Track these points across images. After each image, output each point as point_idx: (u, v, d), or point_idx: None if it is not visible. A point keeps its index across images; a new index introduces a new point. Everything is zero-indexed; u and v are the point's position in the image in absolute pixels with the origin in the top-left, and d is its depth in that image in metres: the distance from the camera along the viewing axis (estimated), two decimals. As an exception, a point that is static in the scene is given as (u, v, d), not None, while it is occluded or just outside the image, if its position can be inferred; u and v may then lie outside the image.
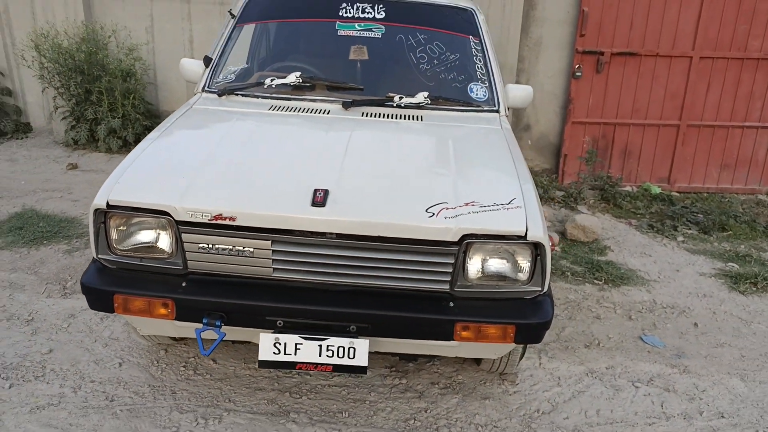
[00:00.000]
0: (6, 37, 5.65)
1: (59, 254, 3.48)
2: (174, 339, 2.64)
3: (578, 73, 4.98)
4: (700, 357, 2.89)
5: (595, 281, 3.55)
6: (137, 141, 5.31)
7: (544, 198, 4.83)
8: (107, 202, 1.93)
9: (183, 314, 1.98)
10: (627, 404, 2.51)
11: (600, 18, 4.86)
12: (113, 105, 5.25)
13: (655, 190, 5.12)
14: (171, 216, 1.92)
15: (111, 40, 5.39)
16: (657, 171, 5.30)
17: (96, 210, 1.95)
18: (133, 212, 1.95)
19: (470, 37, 3.00)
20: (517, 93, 2.98)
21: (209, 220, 1.90)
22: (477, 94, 2.85)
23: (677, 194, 5.17)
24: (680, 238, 4.26)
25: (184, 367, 2.56)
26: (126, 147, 5.35)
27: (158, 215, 1.94)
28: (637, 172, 5.31)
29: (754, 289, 3.56)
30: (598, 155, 5.12)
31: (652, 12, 4.85)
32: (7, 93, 5.75)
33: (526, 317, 1.98)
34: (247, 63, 3.13)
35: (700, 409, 2.50)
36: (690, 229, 4.43)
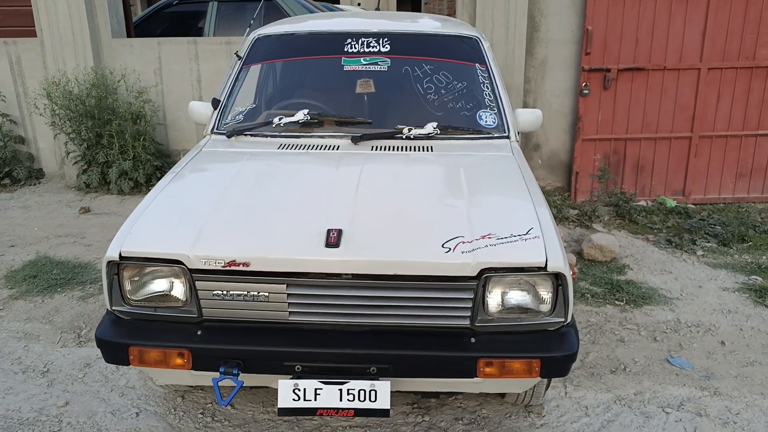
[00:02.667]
0: (18, 87, 5.75)
1: (73, 301, 3.47)
2: (191, 385, 2.60)
3: (586, 91, 4.96)
4: (730, 377, 2.80)
5: (616, 302, 3.48)
6: (148, 181, 5.40)
7: (558, 218, 4.77)
8: (120, 254, 1.91)
9: (199, 363, 1.95)
10: (659, 431, 2.43)
11: (605, 35, 4.85)
12: (124, 147, 5.30)
13: (671, 203, 5.05)
14: (184, 264, 1.90)
15: (120, 84, 5.46)
16: (671, 184, 5.23)
17: (109, 262, 1.93)
18: (146, 262, 1.94)
19: (476, 64, 2.99)
20: (527, 117, 2.96)
21: (222, 266, 1.88)
22: (486, 122, 2.83)
23: (693, 206, 5.09)
24: (700, 252, 4.18)
25: (201, 414, 2.52)
26: (137, 188, 5.39)
27: (171, 264, 1.92)
28: (651, 186, 5.24)
29: (781, 302, 3.47)
30: (611, 171, 5.07)
31: (657, 27, 4.83)
32: (20, 141, 5.83)
33: (550, 350, 1.92)
34: (254, 102, 3.13)
35: (735, 434, 2.42)
36: (709, 242, 4.35)
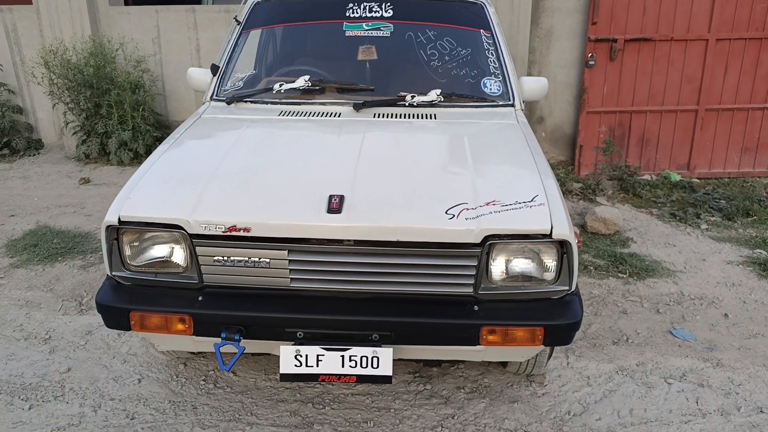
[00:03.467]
0: (15, 55, 5.68)
1: (74, 270, 3.46)
2: (192, 352, 2.60)
3: (591, 62, 4.88)
4: (733, 349, 2.80)
5: (620, 275, 3.46)
6: (148, 152, 5.34)
7: (562, 191, 4.70)
8: (119, 218, 1.89)
9: (201, 329, 1.93)
10: (660, 402, 2.43)
11: (612, 4, 4.76)
12: (123, 117, 5.25)
13: (675, 177, 5.01)
14: (184, 229, 1.87)
15: (119, 53, 5.39)
16: (676, 158, 5.18)
17: (108, 227, 1.91)
18: (145, 227, 1.91)
19: (481, 30, 2.92)
20: (532, 86, 2.90)
21: (223, 232, 1.85)
22: (491, 89, 2.78)
23: (698, 181, 5.05)
24: (704, 226, 4.15)
25: (204, 380, 2.52)
26: (137, 159, 5.34)
27: (171, 229, 1.89)
28: (656, 160, 5.20)
29: (785, 275, 3.45)
30: (615, 144, 5.01)
31: (664, -5, 4.73)
32: (18, 111, 5.77)
33: (554, 318, 1.90)
34: (254, 69, 3.08)
35: (737, 405, 2.41)
36: (713, 216, 4.32)
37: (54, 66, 5.15)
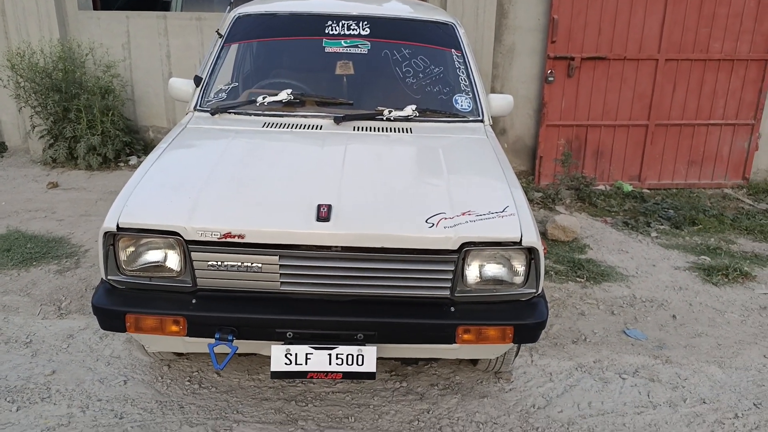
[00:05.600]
0: (-22, 56, 5.59)
1: (50, 275, 3.49)
2: (177, 354, 2.69)
3: (551, 78, 5.16)
4: (680, 347, 3.05)
5: (578, 279, 3.70)
6: (117, 157, 5.37)
7: (523, 200, 4.97)
8: (117, 225, 1.98)
9: (194, 330, 2.04)
10: (616, 395, 2.65)
11: (570, 25, 5.05)
12: (92, 122, 5.25)
13: (627, 188, 5.32)
14: (180, 236, 1.99)
15: (88, 58, 5.38)
16: (628, 169, 5.51)
17: (106, 233, 2.00)
18: (142, 233, 2.01)
19: (452, 50, 3.11)
20: (499, 102, 3.11)
21: (218, 238, 1.97)
22: (462, 105, 2.97)
23: (648, 191, 5.38)
24: (654, 234, 4.45)
25: (188, 381, 2.61)
26: (106, 163, 5.34)
27: (168, 236, 2.00)
28: (610, 171, 5.51)
29: (726, 280, 3.75)
30: (573, 156, 5.30)
31: (618, 18, 5.05)
32: (-20, 113, 5.68)
33: (523, 318, 2.09)
34: (231, 80, 3.17)
35: (683, 397, 2.65)
36: (662, 224, 4.63)
37: (21, 69, 5.11)
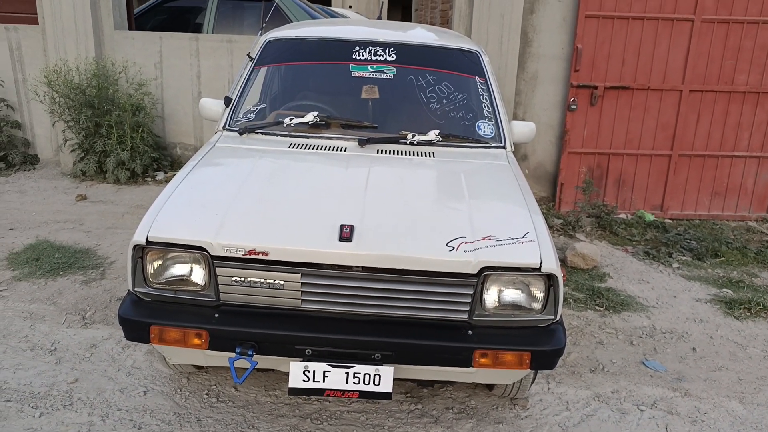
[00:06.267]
0: (18, 72, 5.81)
1: (76, 285, 3.57)
2: (196, 367, 2.74)
3: (573, 106, 5.19)
4: (699, 380, 3.02)
5: (597, 307, 3.69)
6: (145, 172, 5.50)
7: (543, 226, 4.97)
8: (147, 239, 2.05)
9: (216, 344, 2.09)
10: (633, 427, 2.63)
11: (593, 54, 5.09)
12: (122, 138, 5.39)
13: (649, 217, 5.30)
14: (206, 251, 2.04)
15: (121, 76, 5.55)
16: (650, 199, 5.48)
17: (135, 246, 2.07)
18: (170, 248, 2.07)
19: (476, 77, 3.17)
20: (522, 129, 3.15)
21: (243, 255, 2.02)
22: (485, 132, 3.01)
23: (670, 221, 5.35)
24: (675, 265, 4.41)
25: (206, 394, 2.65)
26: (134, 178, 5.48)
27: (194, 251, 2.06)
28: (632, 200, 5.49)
29: (748, 314, 3.70)
30: (594, 184, 5.29)
31: (642, 49, 5.08)
32: (16, 126, 5.88)
33: (540, 344, 2.10)
34: (260, 101, 3.25)
35: (702, 431, 2.62)
36: (684, 255, 4.59)
37: (57, 85, 5.29)
